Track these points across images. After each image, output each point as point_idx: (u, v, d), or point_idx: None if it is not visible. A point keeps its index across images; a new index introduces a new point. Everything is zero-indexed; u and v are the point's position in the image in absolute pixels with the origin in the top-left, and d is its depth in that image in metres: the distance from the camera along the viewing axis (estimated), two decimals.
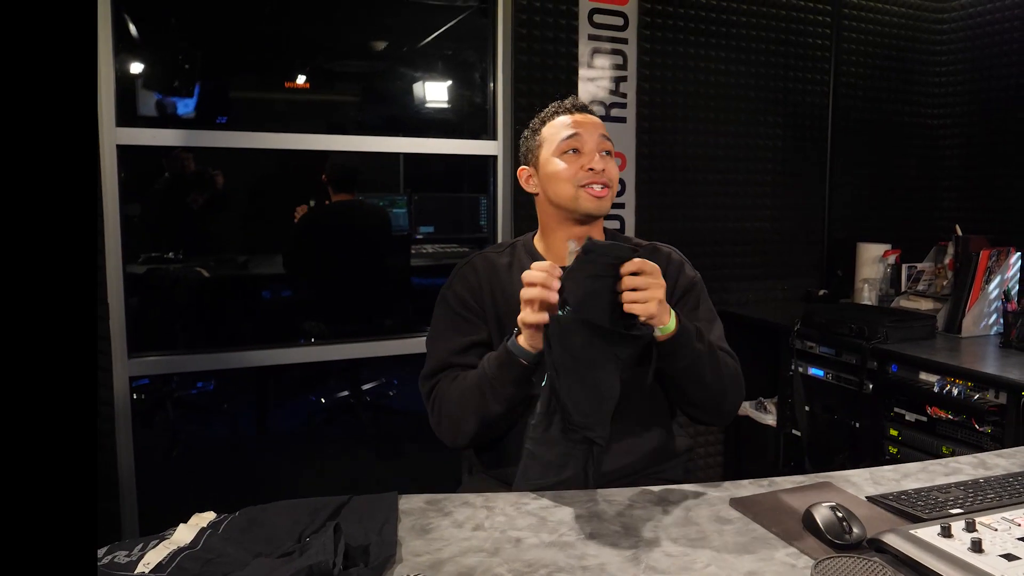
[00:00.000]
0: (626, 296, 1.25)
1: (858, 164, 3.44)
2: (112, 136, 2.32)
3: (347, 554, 1.01)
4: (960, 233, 2.85)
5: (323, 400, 4.18)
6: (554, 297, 1.25)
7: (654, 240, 1.67)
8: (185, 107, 3.58)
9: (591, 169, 1.47)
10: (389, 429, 4.09)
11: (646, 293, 1.25)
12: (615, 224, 2.92)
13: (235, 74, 3.77)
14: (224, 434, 3.93)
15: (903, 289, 3.04)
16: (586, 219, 1.52)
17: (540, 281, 1.25)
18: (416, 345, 2.80)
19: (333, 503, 1.17)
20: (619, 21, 2.87)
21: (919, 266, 3.03)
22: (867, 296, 3.11)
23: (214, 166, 3.60)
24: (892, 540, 1.05)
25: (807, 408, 2.78)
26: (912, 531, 1.07)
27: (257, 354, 2.68)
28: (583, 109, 1.55)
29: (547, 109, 1.58)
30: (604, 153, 1.51)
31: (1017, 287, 2.69)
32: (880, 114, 3.46)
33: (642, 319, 1.27)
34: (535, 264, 1.29)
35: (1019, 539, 1.03)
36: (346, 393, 4.15)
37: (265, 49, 3.68)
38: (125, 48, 2.90)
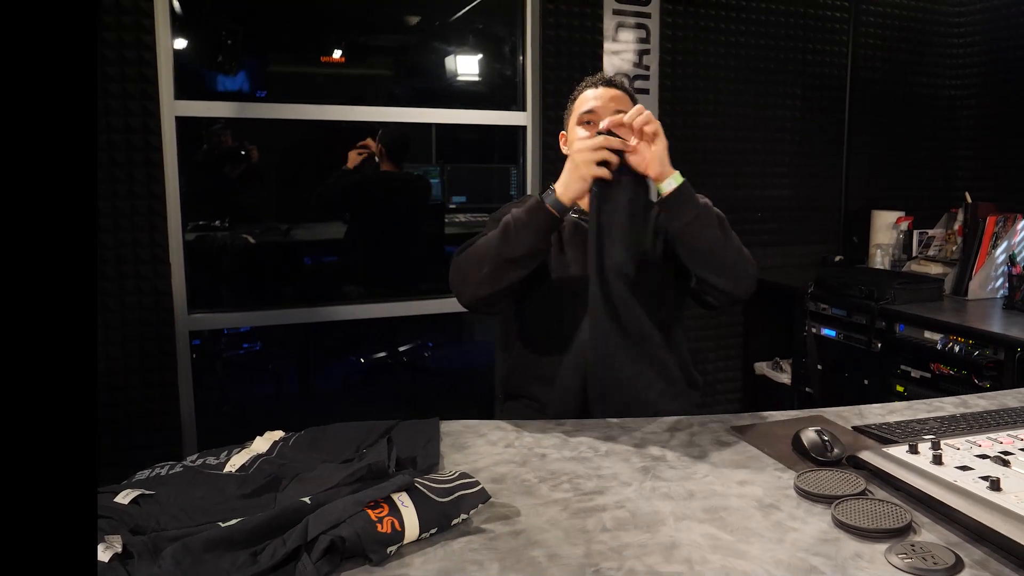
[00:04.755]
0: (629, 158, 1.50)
1: (874, 133, 3.53)
2: (171, 109, 2.51)
3: (398, 462, 1.20)
4: (970, 200, 2.96)
5: (362, 360, 4.36)
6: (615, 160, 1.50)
7: None
8: (231, 82, 3.75)
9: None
10: (424, 388, 4.27)
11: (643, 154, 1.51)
12: None
13: (274, 50, 3.91)
14: (269, 392, 4.14)
15: (914, 254, 3.16)
16: None
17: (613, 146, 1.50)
18: (449, 305, 2.93)
19: (383, 425, 1.36)
20: None
21: (930, 232, 3.15)
22: (880, 261, 3.23)
23: (253, 139, 3.75)
24: (866, 456, 1.22)
25: (819, 367, 2.91)
26: (884, 448, 1.23)
27: (303, 311, 2.90)
28: (608, 83, 1.72)
29: (582, 83, 1.76)
30: None
31: (1023, 252, 2.79)
32: (897, 84, 3.54)
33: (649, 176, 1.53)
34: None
35: (976, 456, 1.18)
36: (384, 354, 4.34)
37: (302, 25, 3.81)
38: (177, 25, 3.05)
